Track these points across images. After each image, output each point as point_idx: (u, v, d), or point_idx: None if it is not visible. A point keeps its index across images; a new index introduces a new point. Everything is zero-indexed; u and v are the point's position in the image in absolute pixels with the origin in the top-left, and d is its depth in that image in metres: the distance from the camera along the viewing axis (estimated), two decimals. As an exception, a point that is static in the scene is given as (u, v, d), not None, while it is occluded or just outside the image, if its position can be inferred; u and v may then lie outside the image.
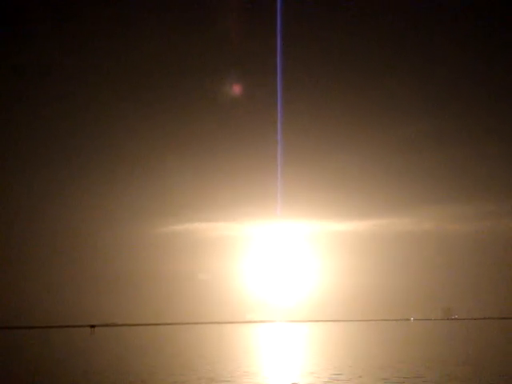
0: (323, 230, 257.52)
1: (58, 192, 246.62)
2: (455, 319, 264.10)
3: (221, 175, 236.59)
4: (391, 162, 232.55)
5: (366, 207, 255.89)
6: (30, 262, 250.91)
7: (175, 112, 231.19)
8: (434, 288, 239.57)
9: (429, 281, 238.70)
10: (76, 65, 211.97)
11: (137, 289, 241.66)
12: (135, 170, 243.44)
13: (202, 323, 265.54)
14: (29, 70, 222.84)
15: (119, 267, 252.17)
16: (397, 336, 68.88)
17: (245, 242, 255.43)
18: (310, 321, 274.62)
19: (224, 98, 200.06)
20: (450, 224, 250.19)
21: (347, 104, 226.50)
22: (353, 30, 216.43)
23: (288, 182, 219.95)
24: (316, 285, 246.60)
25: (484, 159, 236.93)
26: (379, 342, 53.95)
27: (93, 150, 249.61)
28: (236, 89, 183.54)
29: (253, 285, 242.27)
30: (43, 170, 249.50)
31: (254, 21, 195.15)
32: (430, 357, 32.18)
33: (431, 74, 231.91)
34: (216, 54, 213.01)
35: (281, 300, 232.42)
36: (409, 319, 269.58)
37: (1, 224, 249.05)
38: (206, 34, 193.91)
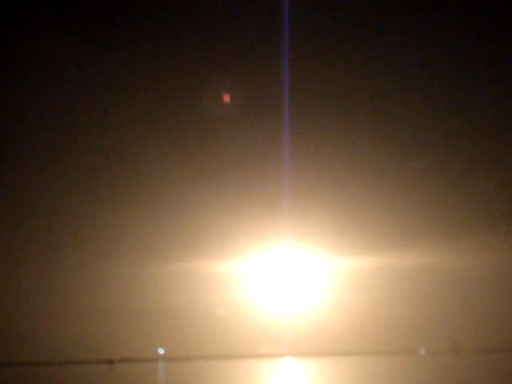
0: (329, 265, 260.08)
1: (67, 223, 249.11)
2: (463, 351, 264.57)
3: (226, 213, 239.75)
4: (396, 196, 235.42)
5: (372, 242, 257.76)
6: (43, 294, 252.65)
7: (177, 147, 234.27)
8: (441, 320, 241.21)
9: (436, 314, 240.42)
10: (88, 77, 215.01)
11: (147, 324, 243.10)
12: (146, 206, 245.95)
13: (215, 357, 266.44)
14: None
15: (132, 302, 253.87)
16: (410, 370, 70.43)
17: (251, 278, 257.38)
18: (321, 355, 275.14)
19: (227, 134, 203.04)
20: (455, 257, 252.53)
21: (352, 138, 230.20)
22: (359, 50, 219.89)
23: (293, 218, 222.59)
24: (326, 319, 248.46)
25: (489, 192, 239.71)
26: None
27: (97, 183, 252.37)
28: (239, 124, 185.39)
29: (264, 319, 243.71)
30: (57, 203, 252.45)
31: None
32: None
33: (441, 110, 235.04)
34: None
35: (292, 334, 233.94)
36: (417, 352, 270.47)
37: (13, 257, 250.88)
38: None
